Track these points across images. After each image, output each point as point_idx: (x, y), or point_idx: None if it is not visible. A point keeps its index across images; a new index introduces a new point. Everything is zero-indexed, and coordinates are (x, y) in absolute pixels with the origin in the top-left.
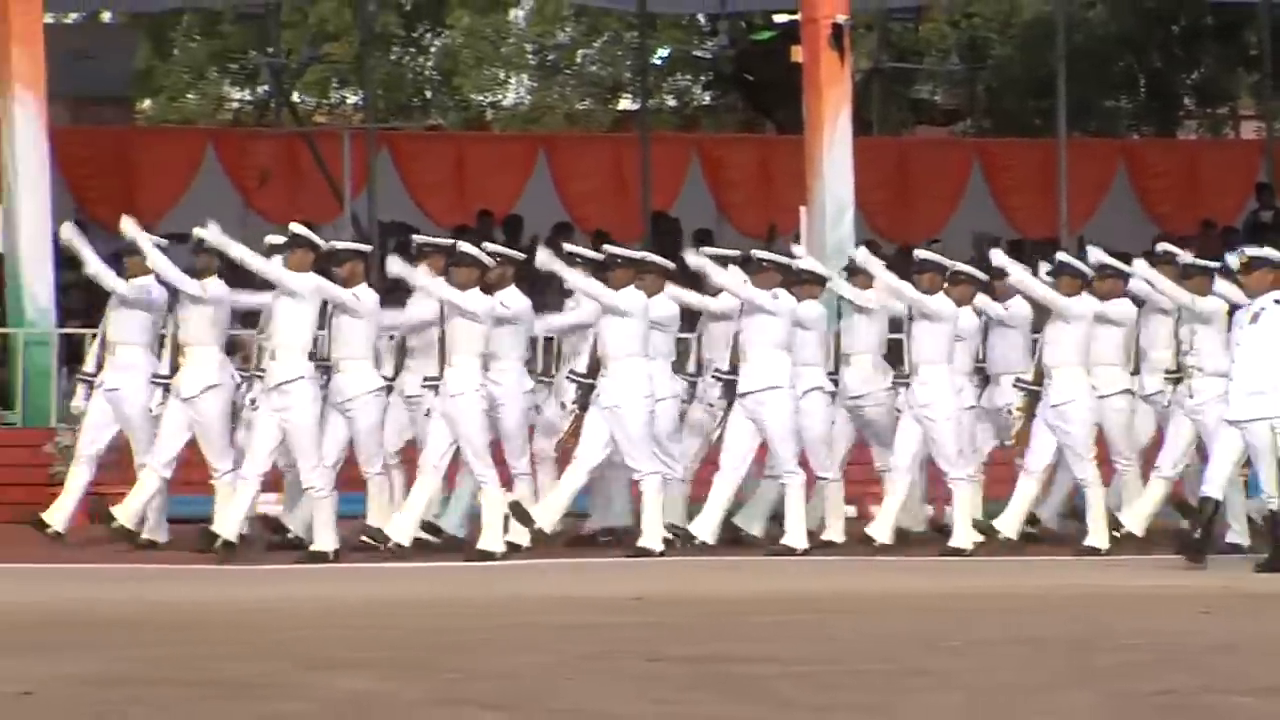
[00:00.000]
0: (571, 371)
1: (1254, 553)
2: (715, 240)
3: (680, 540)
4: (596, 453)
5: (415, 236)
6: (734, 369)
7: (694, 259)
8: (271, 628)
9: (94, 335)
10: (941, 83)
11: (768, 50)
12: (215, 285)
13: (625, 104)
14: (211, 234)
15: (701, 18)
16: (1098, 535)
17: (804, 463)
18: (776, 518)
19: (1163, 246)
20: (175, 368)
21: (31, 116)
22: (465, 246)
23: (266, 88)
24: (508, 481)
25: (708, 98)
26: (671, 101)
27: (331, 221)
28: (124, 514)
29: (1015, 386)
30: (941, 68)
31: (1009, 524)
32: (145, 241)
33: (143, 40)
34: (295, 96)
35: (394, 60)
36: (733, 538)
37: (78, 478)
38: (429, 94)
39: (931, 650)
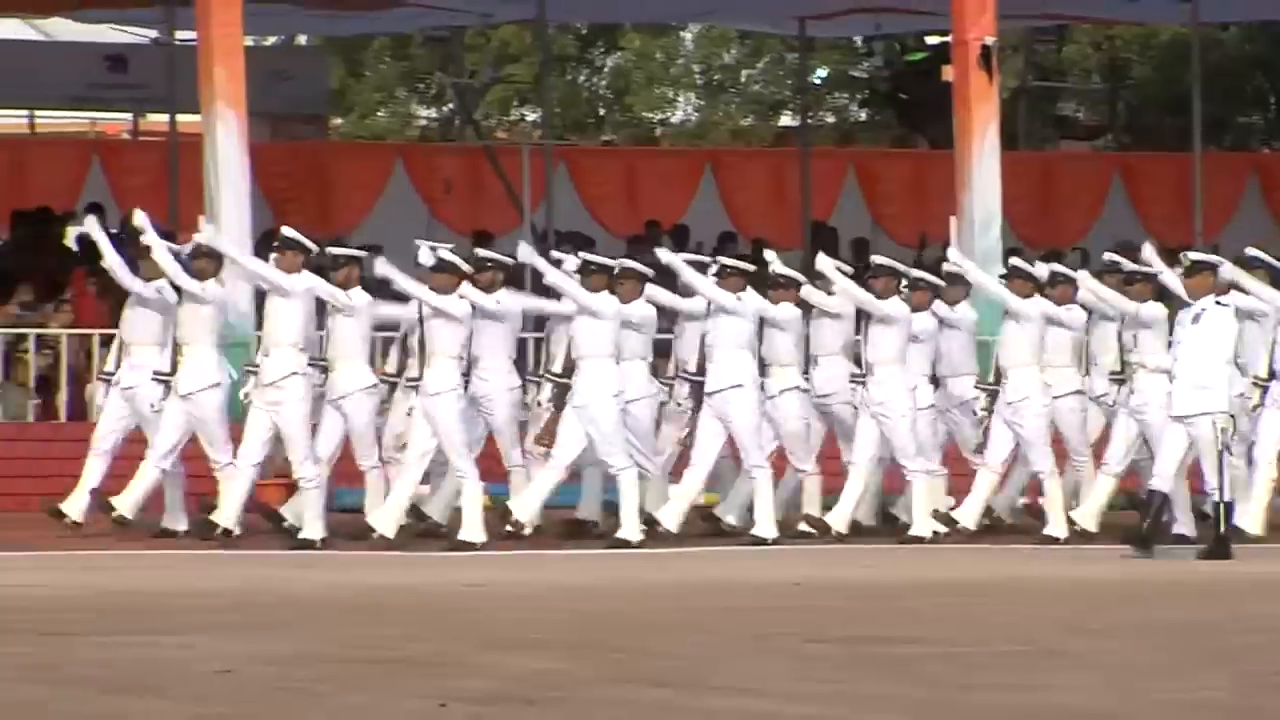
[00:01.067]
0: (547, 371)
1: (1200, 542)
2: (871, 249)
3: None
4: (572, 450)
5: (330, 248)
6: (701, 369)
7: (666, 256)
8: (450, 610)
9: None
10: (1084, 100)
11: (920, 70)
12: (214, 287)
13: (786, 120)
14: (207, 236)
15: (858, 40)
16: (1056, 525)
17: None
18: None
19: (1108, 256)
20: (174, 365)
21: (233, 132)
22: (443, 252)
23: (452, 106)
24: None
25: (864, 115)
26: (830, 118)
27: (511, 231)
28: (123, 504)
29: (975, 387)
30: (1084, 86)
31: (968, 515)
32: (154, 240)
33: (337, 61)
34: (478, 114)
35: (570, 80)
36: (714, 530)
37: (93, 470)
38: (603, 112)
39: (1070, 633)
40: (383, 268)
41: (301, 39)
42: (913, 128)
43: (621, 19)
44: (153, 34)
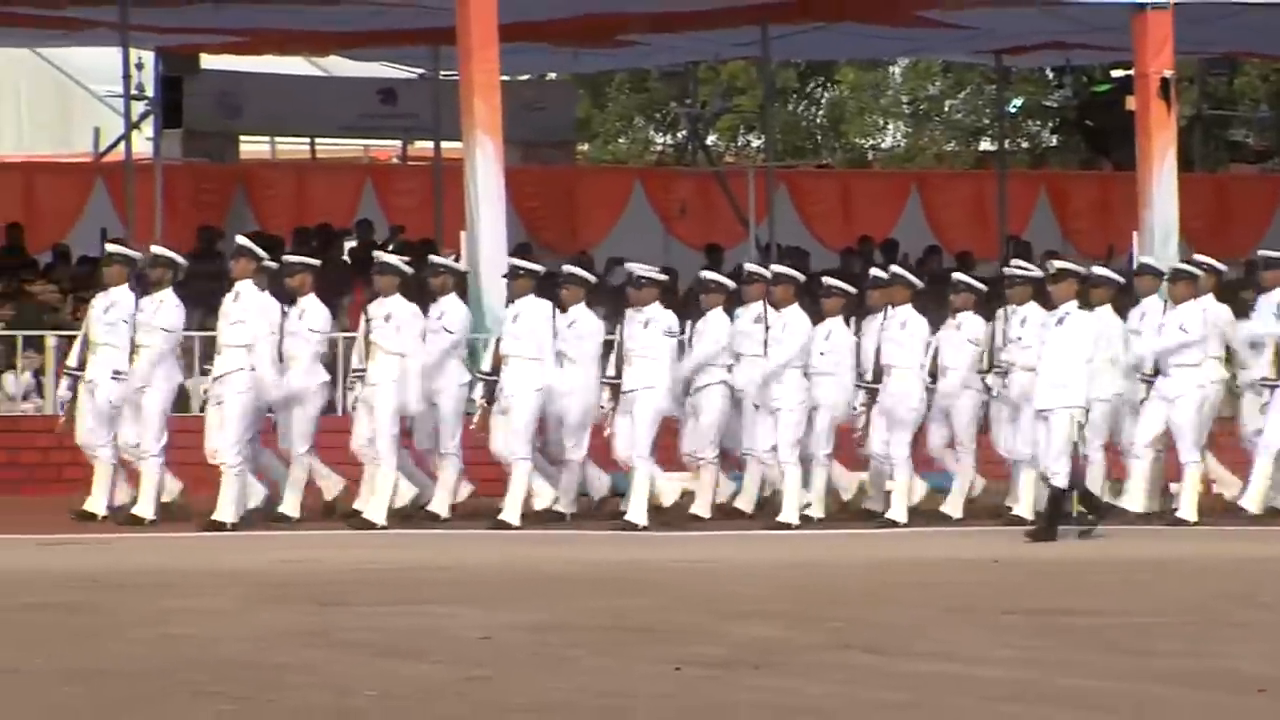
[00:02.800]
0: (479, 370)
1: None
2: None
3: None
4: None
5: (285, 257)
6: (619, 373)
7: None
8: (684, 584)
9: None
10: (1253, 127)
11: (1106, 100)
12: (168, 296)
13: (985, 146)
14: (159, 249)
15: (1050, 72)
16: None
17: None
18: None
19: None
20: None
21: (490, 157)
22: (386, 257)
23: (685, 133)
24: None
25: (1055, 140)
26: (1024, 144)
27: (737, 245)
28: (142, 509)
29: (856, 386)
30: (1252, 114)
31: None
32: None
33: (583, 94)
34: (709, 141)
35: (791, 110)
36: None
37: (103, 468)
38: (820, 138)
39: (1240, 605)
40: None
41: (551, 74)
42: (1099, 152)
43: (837, 56)
44: (420, 70)
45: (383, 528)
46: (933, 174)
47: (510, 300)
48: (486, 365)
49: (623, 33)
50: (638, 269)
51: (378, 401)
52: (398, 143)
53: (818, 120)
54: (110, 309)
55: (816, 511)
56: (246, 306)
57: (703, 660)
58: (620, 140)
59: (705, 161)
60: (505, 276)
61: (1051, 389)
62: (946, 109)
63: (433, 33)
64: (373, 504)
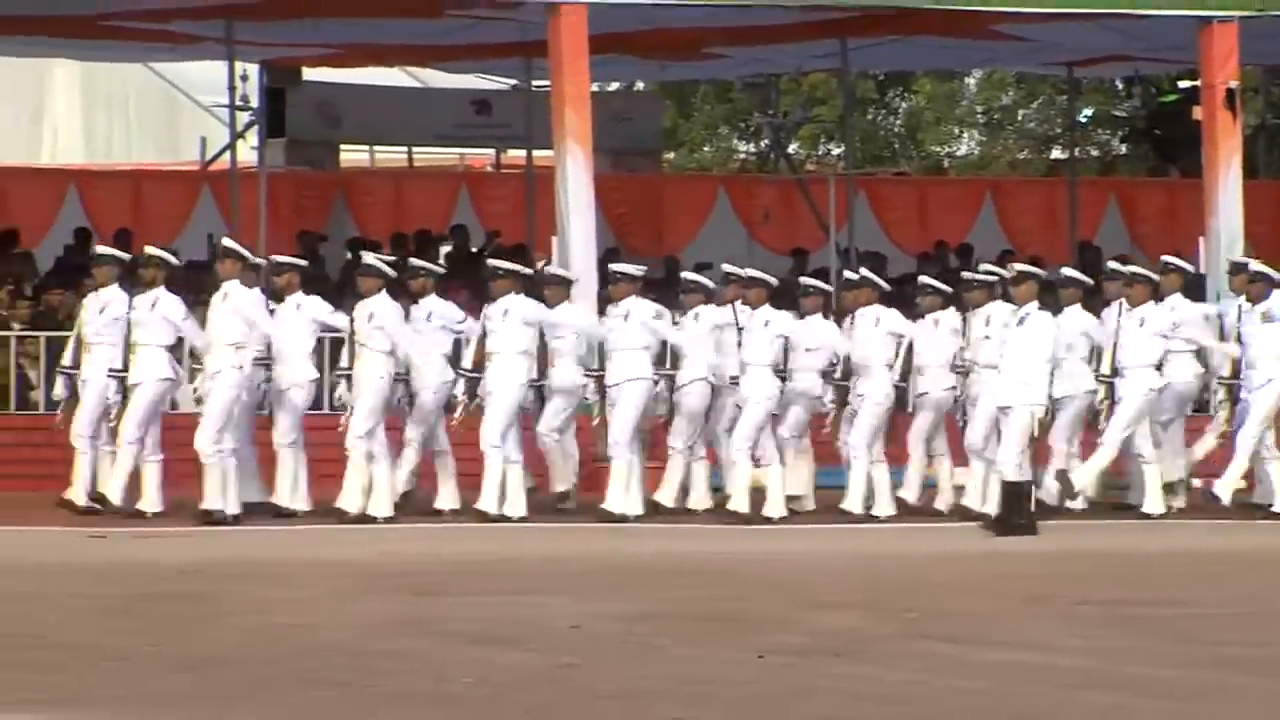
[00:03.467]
0: (461, 366)
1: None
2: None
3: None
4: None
5: (275, 257)
6: (602, 365)
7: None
8: (763, 575)
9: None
10: None
11: (1173, 110)
12: (163, 294)
13: (1056, 154)
14: (155, 250)
15: (1119, 83)
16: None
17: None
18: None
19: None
20: (127, 363)
21: (580, 165)
22: (370, 259)
23: (767, 142)
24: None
25: (1124, 149)
26: (1094, 152)
27: (818, 250)
28: (147, 503)
29: (827, 382)
30: None
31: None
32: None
33: (669, 104)
34: (791, 149)
35: (870, 120)
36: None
37: (82, 459)
38: (897, 146)
39: None
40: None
41: (639, 85)
42: (1166, 160)
43: (914, 67)
44: (513, 81)
45: (386, 520)
46: (1006, 181)
47: (493, 299)
48: (468, 362)
49: (707, 46)
50: (618, 267)
51: (361, 398)
52: (492, 151)
53: (895, 129)
54: (104, 309)
55: (808, 505)
56: (235, 306)
57: (784, 649)
58: (705, 149)
59: (787, 169)
60: (488, 279)
61: (1013, 386)
62: (1019, 118)
63: (525, 45)
64: (375, 499)
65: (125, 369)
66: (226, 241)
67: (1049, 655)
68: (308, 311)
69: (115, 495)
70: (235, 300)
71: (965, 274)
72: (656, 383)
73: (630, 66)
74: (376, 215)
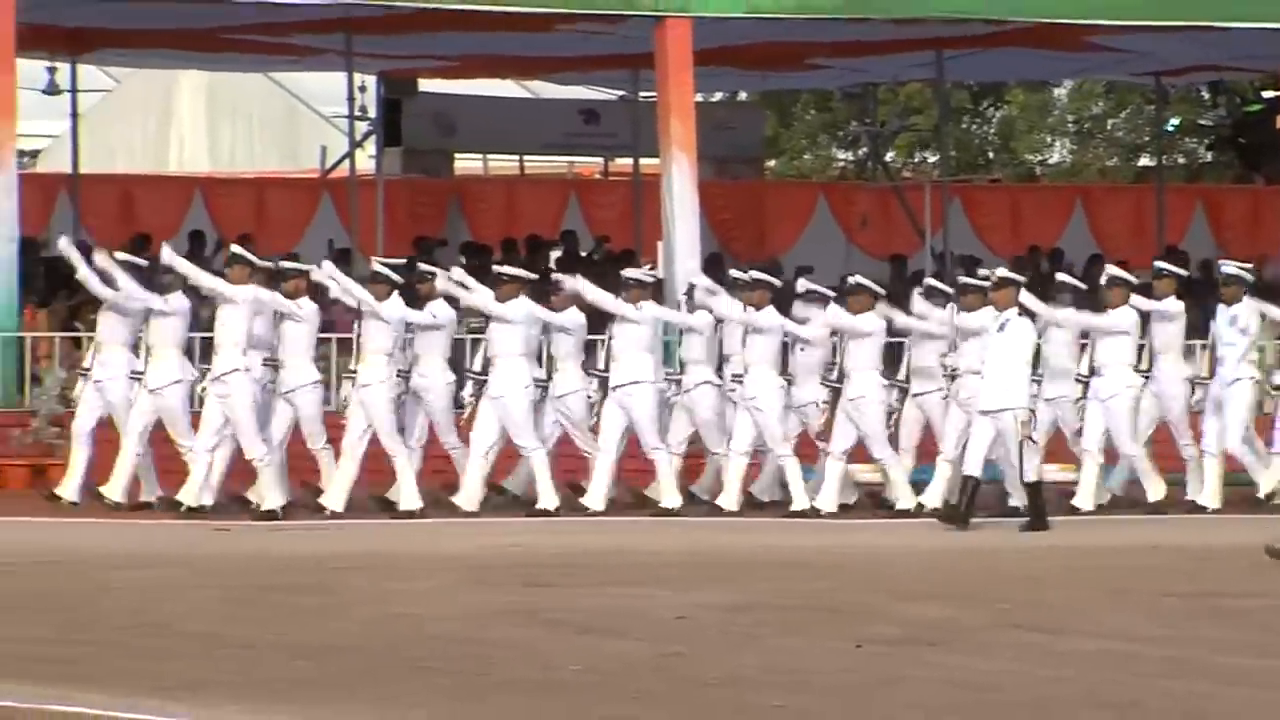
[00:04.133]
0: (468, 369)
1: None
2: (1216, 267)
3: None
4: (489, 436)
5: (281, 261)
6: (607, 367)
7: (571, 283)
8: (857, 568)
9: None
10: None
11: (1257, 119)
12: (176, 298)
13: (1144, 162)
14: (166, 254)
15: (1205, 92)
16: (826, 496)
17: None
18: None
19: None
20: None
21: (685, 173)
22: (377, 266)
23: (865, 150)
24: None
25: (1209, 156)
26: (1181, 159)
27: (914, 254)
28: (187, 496)
29: (822, 385)
30: None
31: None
32: (77, 262)
33: (770, 113)
34: (888, 157)
35: (964, 129)
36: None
37: (79, 454)
38: (991, 154)
39: None
40: (319, 275)
41: (742, 95)
42: (1251, 167)
43: (1007, 77)
44: (620, 92)
45: (421, 511)
46: (1096, 188)
47: (501, 302)
48: (478, 365)
49: (808, 58)
50: (627, 272)
51: (370, 400)
52: (600, 160)
53: (989, 138)
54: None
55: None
56: (243, 309)
57: (880, 638)
58: (805, 156)
59: (884, 176)
60: (498, 283)
61: (997, 391)
62: (1109, 127)
63: (632, 57)
64: (404, 494)
65: (141, 371)
66: (234, 248)
67: (1136, 645)
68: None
69: (193, 499)
70: (244, 302)
71: (1059, 276)
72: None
73: (733, 78)
74: (489, 221)
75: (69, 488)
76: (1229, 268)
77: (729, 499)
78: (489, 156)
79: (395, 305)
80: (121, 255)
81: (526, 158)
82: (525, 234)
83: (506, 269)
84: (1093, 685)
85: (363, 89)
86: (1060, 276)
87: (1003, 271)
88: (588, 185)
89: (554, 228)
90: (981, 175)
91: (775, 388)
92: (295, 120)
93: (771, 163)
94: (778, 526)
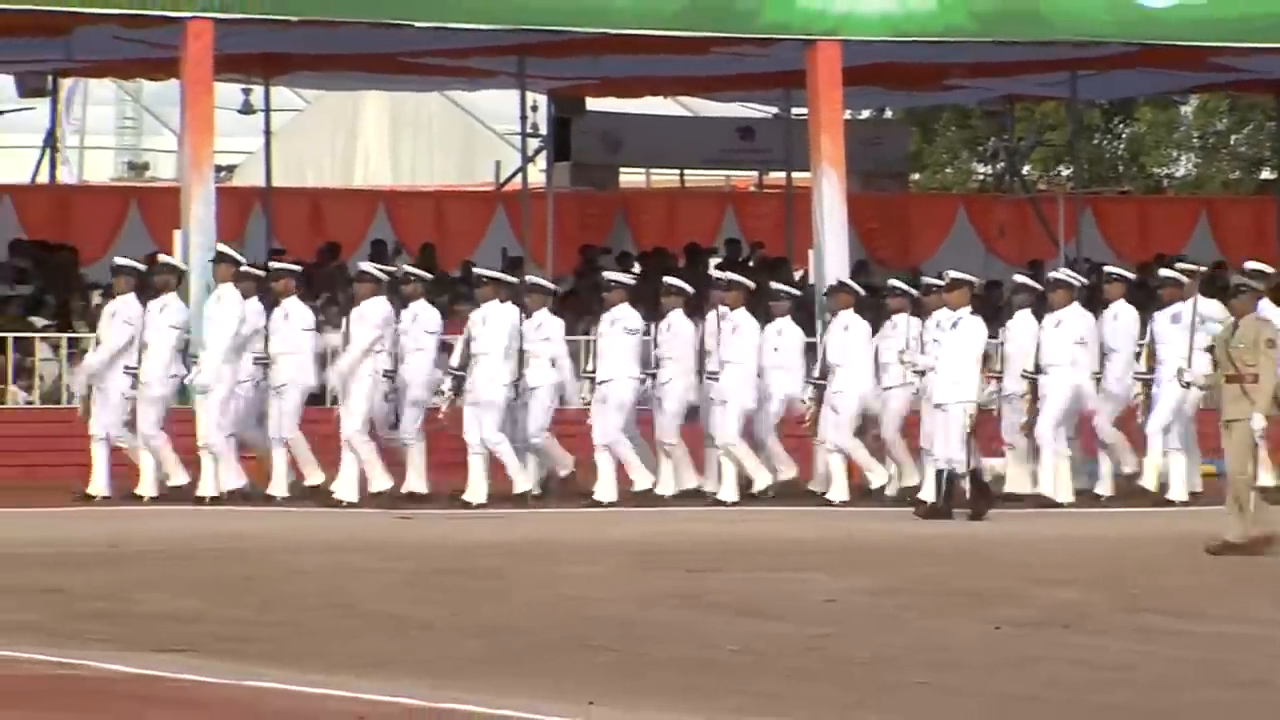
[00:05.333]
0: (450, 367)
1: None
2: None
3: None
4: (474, 432)
5: (271, 262)
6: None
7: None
8: (992, 555)
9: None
10: None
11: None
12: (172, 300)
13: (1265, 174)
14: (165, 259)
15: None
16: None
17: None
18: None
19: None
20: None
21: (834, 186)
22: (366, 266)
23: (1003, 165)
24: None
25: None
26: None
27: (1049, 261)
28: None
29: (806, 382)
30: None
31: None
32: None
33: (914, 130)
34: (1024, 171)
35: (1095, 144)
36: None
37: (100, 453)
38: (1120, 168)
39: None
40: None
41: (888, 112)
42: None
43: (1136, 93)
44: (773, 110)
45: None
46: (1219, 199)
47: (478, 306)
48: (455, 362)
49: (949, 77)
50: (608, 275)
51: (355, 392)
52: (755, 173)
53: (1119, 153)
54: (117, 313)
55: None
56: (227, 308)
57: (1017, 620)
58: (947, 170)
59: (1021, 189)
60: (473, 285)
61: (947, 385)
62: (1232, 142)
63: (785, 76)
64: (410, 477)
65: (137, 366)
66: (220, 247)
67: (1263, 628)
68: (295, 319)
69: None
70: (227, 302)
71: (1015, 278)
72: (643, 380)
73: (879, 96)
74: (652, 231)
75: (99, 486)
76: (1166, 271)
77: (838, 490)
78: (652, 170)
79: (378, 305)
80: (122, 260)
81: (686, 171)
82: (685, 243)
83: (484, 271)
84: (1219, 665)
85: (534, 108)
86: (1016, 278)
87: (953, 274)
88: (743, 197)
89: (712, 237)
90: (1112, 188)
91: (750, 384)
92: (472, 137)
93: (915, 176)
94: (911, 516)
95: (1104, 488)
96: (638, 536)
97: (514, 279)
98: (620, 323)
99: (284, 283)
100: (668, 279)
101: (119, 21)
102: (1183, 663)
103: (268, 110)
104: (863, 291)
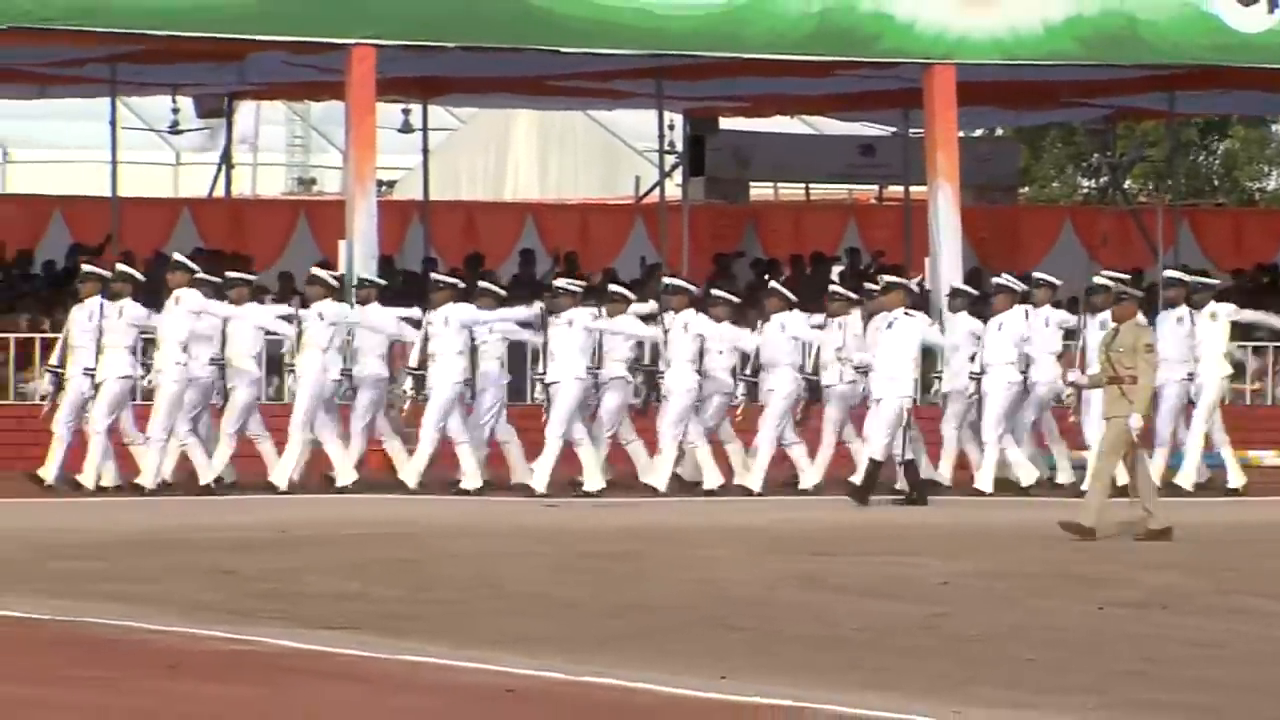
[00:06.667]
0: (407, 366)
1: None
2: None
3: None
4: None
5: (229, 272)
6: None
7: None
8: (1099, 541)
9: None
10: None
11: None
12: (128, 303)
13: None
14: (122, 267)
15: None
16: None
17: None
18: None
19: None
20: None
21: (949, 199)
22: (316, 271)
23: (1106, 179)
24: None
25: None
26: None
27: (1149, 269)
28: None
29: (739, 378)
30: None
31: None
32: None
33: (1023, 147)
34: (1125, 185)
35: (1192, 159)
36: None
37: (57, 445)
38: (1216, 182)
39: None
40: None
41: (999, 130)
42: None
43: (1230, 111)
44: (892, 128)
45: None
46: None
47: (434, 308)
48: (414, 361)
49: (1056, 96)
50: (560, 282)
51: (301, 386)
52: (875, 187)
53: (1214, 168)
54: (89, 317)
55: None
56: (183, 310)
57: (1121, 601)
58: (1054, 184)
59: (1122, 201)
60: (430, 290)
61: (883, 381)
62: None
63: (903, 95)
64: (340, 470)
65: (94, 367)
66: (176, 255)
67: None
68: (252, 319)
69: (90, 481)
70: (186, 304)
71: (952, 284)
72: (594, 378)
73: (991, 115)
74: (779, 241)
75: (50, 471)
76: (1099, 278)
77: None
78: (779, 185)
79: (331, 307)
80: (89, 267)
81: (812, 186)
82: (810, 251)
83: (442, 276)
84: None
85: (671, 127)
86: (954, 284)
87: (889, 278)
88: (864, 209)
89: (835, 246)
90: (1208, 200)
91: (690, 382)
92: (613, 153)
93: (1024, 190)
94: (1024, 505)
95: (1186, 480)
96: (763, 523)
97: (461, 283)
98: (576, 324)
99: (238, 291)
100: (774, 285)
101: (288, 48)
102: (1274, 641)
103: (425, 129)
104: (792, 297)
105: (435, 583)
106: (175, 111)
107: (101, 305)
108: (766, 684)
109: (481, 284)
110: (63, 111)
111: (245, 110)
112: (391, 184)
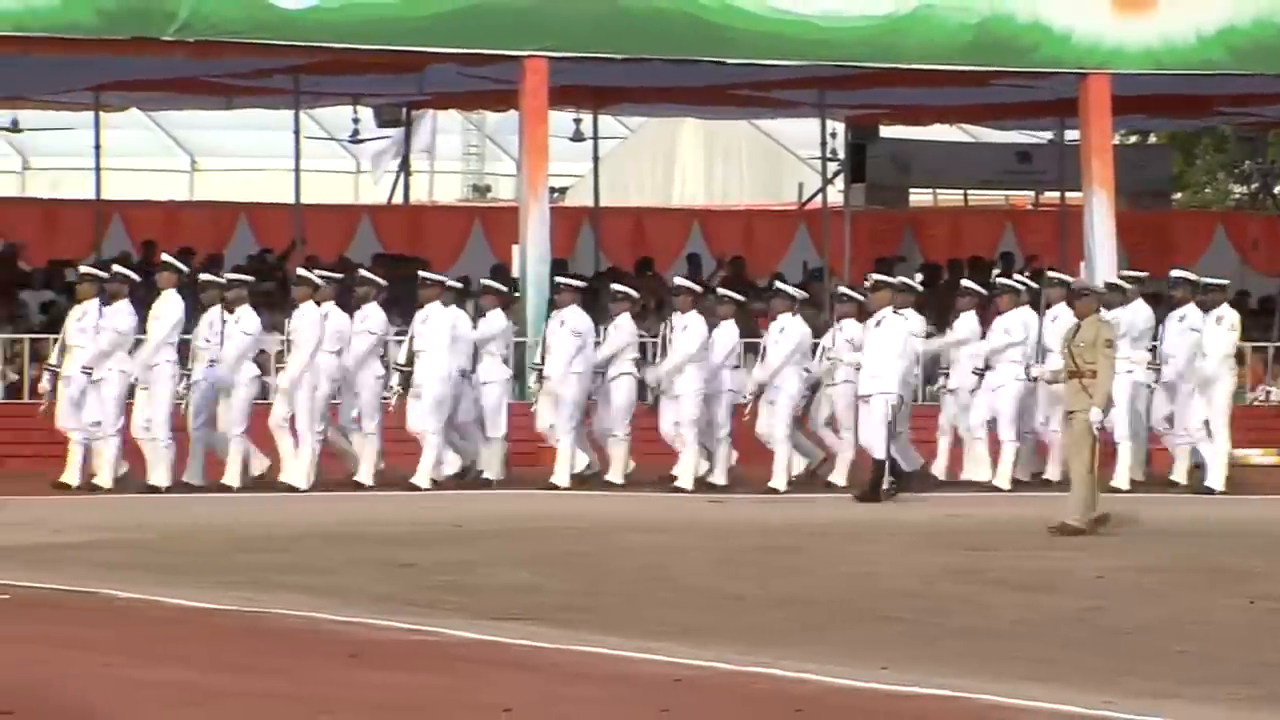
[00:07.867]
0: (395, 361)
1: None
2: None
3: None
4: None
5: (229, 274)
6: (543, 360)
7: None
8: (1249, 536)
9: None
10: None
11: None
12: (123, 305)
13: None
14: (119, 269)
15: None
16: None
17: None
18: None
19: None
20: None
21: (1103, 205)
22: (302, 272)
23: (1257, 185)
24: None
25: None
26: None
27: None
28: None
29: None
30: None
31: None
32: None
33: (1176, 154)
34: (1276, 191)
35: None
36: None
37: (76, 447)
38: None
39: None
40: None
41: (1152, 138)
42: None
43: None
44: (1048, 136)
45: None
46: None
47: (420, 306)
48: (402, 359)
49: (1207, 105)
50: (560, 280)
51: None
52: (1031, 193)
53: None
54: (83, 317)
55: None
56: (169, 308)
57: (1269, 595)
58: (1206, 190)
59: (1273, 207)
60: (419, 288)
61: (870, 379)
62: None
63: (1059, 105)
64: (362, 469)
65: (92, 367)
66: (164, 256)
67: None
68: (244, 324)
69: (107, 482)
70: (170, 303)
71: (962, 283)
72: (595, 375)
73: (1144, 123)
74: (938, 245)
75: (71, 475)
76: (1052, 275)
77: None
78: (938, 191)
79: (309, 308)
80: (86, 269)
81: (969, 192)
82: (968, 255)
83: (428, 275)
84: None
85: (833, 135)
86: (964, 283)
87: (876, 276)
88: (1021, 215)
89: (992, 250)
90: None
91: (699, 380)
92: (777, 161)
93: (1177, 195)
94: (1168, 502)
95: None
96: (921, 519)
97: (456, 283)
98: (567, 324)
99: (236, 293)
100: (779, 286)
101: (464, 60)
102: None
103: (596, 137)
104: (799, 295)
105: (607, 575)
106: (356, 121)
107: (100, 308)
108: (926, 674)
109: (484, 281)
110: (248, 122)
111: (423, 120)
112: (563, 190)
